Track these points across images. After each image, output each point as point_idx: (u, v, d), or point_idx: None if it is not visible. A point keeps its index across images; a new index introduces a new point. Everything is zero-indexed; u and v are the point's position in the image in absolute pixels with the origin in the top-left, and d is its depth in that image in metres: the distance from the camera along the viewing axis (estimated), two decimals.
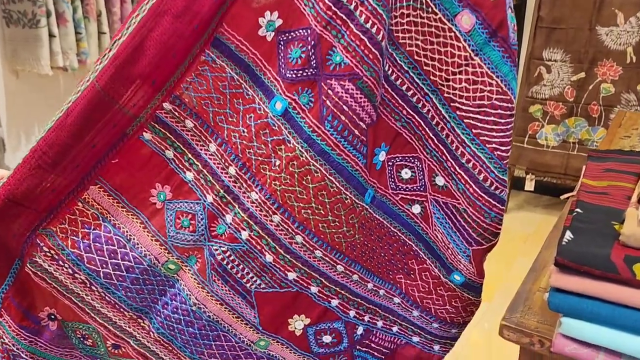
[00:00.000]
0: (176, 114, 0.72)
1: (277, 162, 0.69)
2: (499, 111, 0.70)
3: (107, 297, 0.79)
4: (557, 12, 2.70)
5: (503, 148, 0.71)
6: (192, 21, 0.66)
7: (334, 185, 0.69)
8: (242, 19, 0.67)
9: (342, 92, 0.66)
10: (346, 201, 0.71)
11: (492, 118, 0.70)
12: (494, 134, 0.70)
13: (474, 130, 0.70)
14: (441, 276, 0.81)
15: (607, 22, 2.60)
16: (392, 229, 0.79)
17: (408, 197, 0.77)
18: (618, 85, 2.62)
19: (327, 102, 0.66)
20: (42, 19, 2.43)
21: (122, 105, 0.70)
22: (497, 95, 0.69)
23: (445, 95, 0.71)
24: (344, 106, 0.66)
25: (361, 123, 0.68)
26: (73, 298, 0.79)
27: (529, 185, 2.87)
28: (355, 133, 0.68)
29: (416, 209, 0.78)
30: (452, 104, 0.71)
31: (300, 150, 0.68)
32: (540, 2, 2.74)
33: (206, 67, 0.69)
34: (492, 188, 0.71)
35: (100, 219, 0.76)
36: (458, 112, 0.71)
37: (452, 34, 0.68)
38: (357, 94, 0.66)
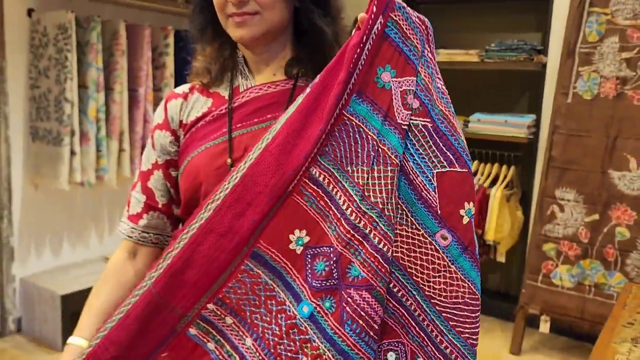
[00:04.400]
0: (218, 312, 0.81)
1: (303, 359, 0.78)
2: (470, 307, 0.80)
3: None
4: (568, 153, 2.73)
5: (474, 337, 0.81)
6: (233, 239, 0.79)
7: None
8: (275, 235, 0.80)
9: (359, 300, 0.76)
10: None
11: (465, 313, 0.80)
12: (467, 326, 0.80)
13: (450, 323, 0.80)
14: None
15: (619, 167, 2.60)
16: None
17: None
18: (633, 230, 2.56)
19: (347, 308, 0.76)
20: (66, 138, 2.54)
21: (173, 306, 0.80)
22: (469, 295, 0.80)
23: (427, 293, 0.80)
24: (362, 312, 0.76)
25: (375, 325, 0.77)
26: None
27: (544, 327, 2.74)
28: (370, 334, 0.77)
29: None
30: (432, 300, 0.80)
31: (323, 349, 0.77)
32: (552, 142, 2.78)
33: (245, 274, 0.80)
34: None
35: None
36: (437, 307, 0.80)
37: (433, 246, 0.80)
38: (372, 301, 0.76)
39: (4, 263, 2.66)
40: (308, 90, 0.81)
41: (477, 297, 0.80)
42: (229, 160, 0.87)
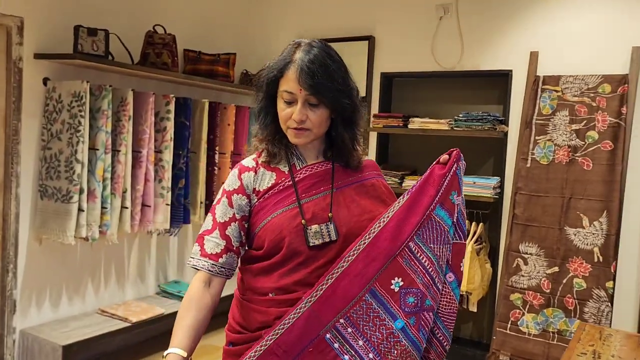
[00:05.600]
0: (345, 324, 1.26)
1: (395, 352, 1.27)
2: (455, 313, 1.34)
3: None
4: (530, 212, 3.07)
5: (453, 326, 1.35)
6: (362, 279, 1.25)
7: (415, 357, 1.30)
8: (384, 280, 1.27)
9: (428, 317, 1.29)
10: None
11: (453, 317, 1.34)
12: (452, 323, 1.34)
13: (445, 323, 1.34)
14: None
15: (574, 224, 2.95)
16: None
17: None
18: (589, 281, 2.88)
19: (422, 322, 1.28)
20: (75, 196, 2.72)
21: (321, 319, 1.25)
22: (455, 307, 1.34)
23: (437, 309, 1.33)
24: (428, 323, 1.29)
25: (429, 329, 1.31)
26: None
27: None
28: (428, 334, 1.30)
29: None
30: (438, 312, 1.33)
31: (406, 345, 1.27)
32: (515, 202, 3.12)
33: (364, 302, 1.27)
34: (446, 346, 1.35)
35: None
36: (441, 317, 1.34)
37: (446, 283, 1.34)
38: (432, 316, 1.30)
39: (5, 315, 2.76)
40: (407, 195, 1.32)
41: (457, 306, 1.36)
42: (303, 221, 1.27)
